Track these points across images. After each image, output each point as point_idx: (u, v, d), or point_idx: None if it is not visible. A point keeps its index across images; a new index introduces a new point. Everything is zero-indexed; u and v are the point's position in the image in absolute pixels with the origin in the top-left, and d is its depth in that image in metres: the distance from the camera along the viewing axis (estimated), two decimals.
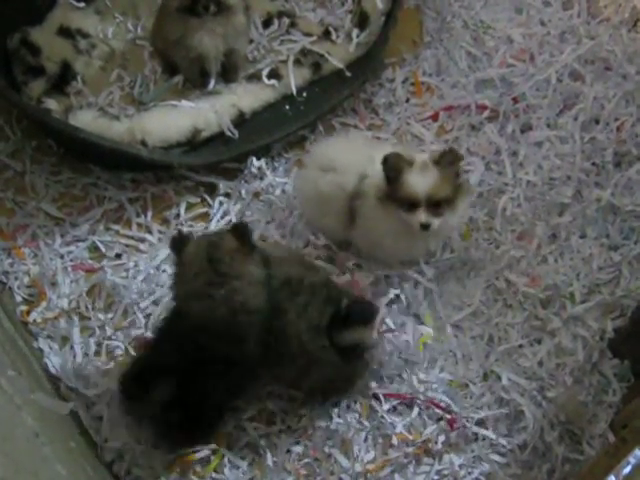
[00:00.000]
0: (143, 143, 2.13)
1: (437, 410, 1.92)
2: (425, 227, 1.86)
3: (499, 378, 1.97)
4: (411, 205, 1.85)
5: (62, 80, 2.36)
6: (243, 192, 2.25)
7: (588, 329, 2.05)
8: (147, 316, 2.06)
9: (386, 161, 1.85)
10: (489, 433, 1.90)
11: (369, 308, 1.83)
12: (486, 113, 2.39)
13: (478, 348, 2.01)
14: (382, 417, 1.92)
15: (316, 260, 2.11)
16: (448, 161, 1.86)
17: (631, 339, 1.99)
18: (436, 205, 1.86)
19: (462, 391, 1.96)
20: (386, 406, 1.93)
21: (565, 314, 2.06)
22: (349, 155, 2.03)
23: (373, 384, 1.94)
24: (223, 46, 2.32)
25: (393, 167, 1.85)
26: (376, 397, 1.94)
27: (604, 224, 2.22)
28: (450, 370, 1.98)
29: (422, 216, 1.85)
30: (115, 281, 2.10)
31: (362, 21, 2.43)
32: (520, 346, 2.02)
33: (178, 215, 2.23)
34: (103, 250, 2.17)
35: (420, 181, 1.83)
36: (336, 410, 1.92)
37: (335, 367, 1.79)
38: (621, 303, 2.08)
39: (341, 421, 1.90)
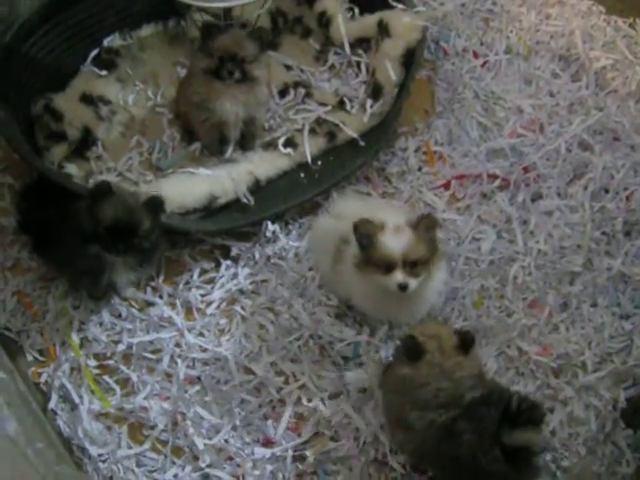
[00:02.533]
0: None
1: None
2: (403, 288, 1.89)
3: None
4: (387, 267, 1.89)
5: (83, 145, 2.42)
6: (257, 255, 2.29)
7: (600, 398, 2.05)
8: None
9: (357, 228, 1.90)
10: None
11: (538, 406, 1.73)
12: (497, 182, 2.43)
13: None
14: None
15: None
16: (425, 226, 1.91)
17: None
18: (413, 265, 1.89)
19: None
20: None
21: (577, 383, 2.07)
22: (361, 209, 2.09)
23: None
24: (243, 113, 2.37)
25: (364, 233, 1.90)
26: None
27: (615, 293, 2.24)
28: None
29: (399, 276, 1.89)
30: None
31: (376, 92, 2.49)
32: None
33: (189, 280, 2.26)
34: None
35: (395, 242, 1.89)
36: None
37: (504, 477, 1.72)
38: (633, 372, 2.09)
39: None
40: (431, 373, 1.74)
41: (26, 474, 1.40)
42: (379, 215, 1.99)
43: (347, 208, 2.20)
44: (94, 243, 1.97)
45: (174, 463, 1.97)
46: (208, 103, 2.33)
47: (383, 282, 1.92)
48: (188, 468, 1.95)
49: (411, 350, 1.75)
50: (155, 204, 2.03)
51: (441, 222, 2.22)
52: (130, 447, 1.99)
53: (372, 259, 1.91)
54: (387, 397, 1.91)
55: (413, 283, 1.91)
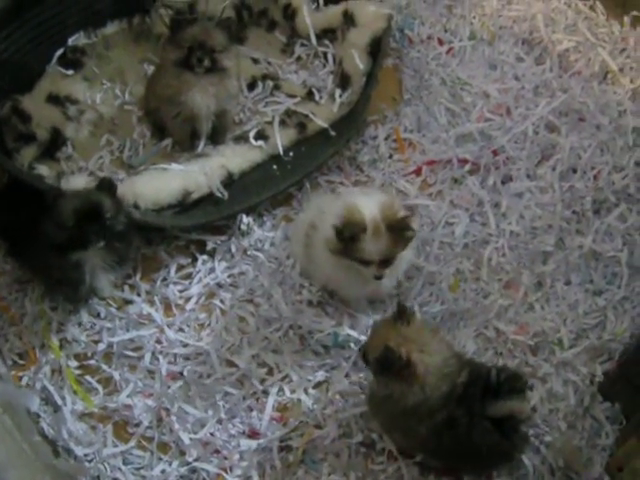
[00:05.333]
0: (135, 206, 2.16)
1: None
2: (378, 278, 1.99)
3: None
4: (365, 263, 1.97)
5: (52, 146, 2.41)
6: (233, 248, 2.30)
7: (578, 374, 2.09)
8: None
9: (340, 232, 1.94)
10: None
11: (518, 375, 1.78)
12: (467, 166, 2.46)
13: None
14: None
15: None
16: (401, 228, 1.96)
17: (620, 382, 2.03)
18: (387, 261, 1.98)
19: None
20: None
21: (554, 360, 2.10)
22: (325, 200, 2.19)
23: None
24: (214, 106, 2.37)
25: (347, 235, 1.94)
26: None
27: (587, 270, 2.28)
28: None
29: (375, 271, 1.98)
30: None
31: (344, 81, 2.51)
32: None
33: (166, 277, 2.26)
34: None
35: (373, 247, 1.95)
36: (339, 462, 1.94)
37: (495, 445, 1.76)
38: (608, 347, 2.13)
39: None
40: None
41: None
42: (353, 200, 2.03)
43: (313, 200, 2.31)
44: (70, 248, 1.97)
45: (161, 459, 1.97)
46: (179, 96, 2.34)
47: (359, 269, 1.99)
48: (175, 463, 1.95)
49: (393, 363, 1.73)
50: (105, 184, 2.03)
51: (414, 209, 2.28)
52: (116, 445, 1.99)
53: (351, 254, 1.97)
54: (379, 418, 1.92)
55: (386, 273, 2.00)
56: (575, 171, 2.47)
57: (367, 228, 1.93)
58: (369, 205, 1.99)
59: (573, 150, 2.50)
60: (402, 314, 1.76)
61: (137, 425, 2.01)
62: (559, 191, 2.40)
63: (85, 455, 1.96)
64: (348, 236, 1.94)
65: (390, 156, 2.51)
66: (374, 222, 1.94)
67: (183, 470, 1.95)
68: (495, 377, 1.73)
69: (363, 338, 2.06)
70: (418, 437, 1.81)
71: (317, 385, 2.08)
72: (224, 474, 1.93)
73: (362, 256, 1.96)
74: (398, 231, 1.96)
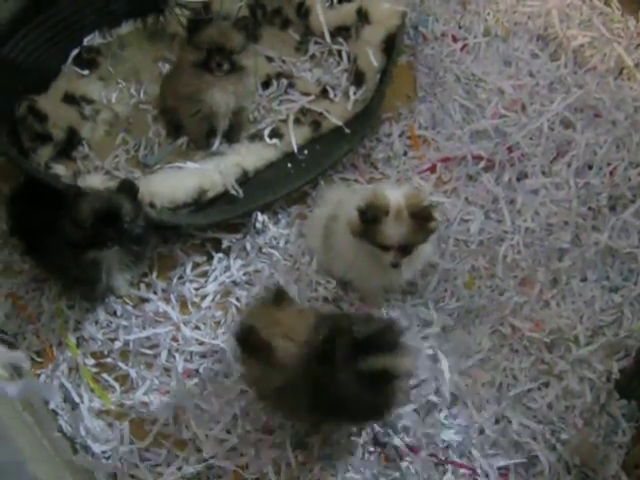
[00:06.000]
0: (151, 205, 2.18)
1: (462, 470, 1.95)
2: (395, 266, 1.99)
3: (510, 422, 2.00)
4: (384, 247, 1.97)
5: (68, 145, 2.42)
6: (248, 246, 2.30)
7: (594, 371, 2.08)
8: None
9: (363, 213, 1.95)
10: None
11: (389, 331, 1.77)
12: (482, 163, 2.45)
13: (488, 394, 2.05)
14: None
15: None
16: (423, 217, 1.96)
17: (636, 379, 2.02)
18: (406, 248, 1.98)
19: (477, 437, 1.99)
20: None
21: (570, 357, 2.10)
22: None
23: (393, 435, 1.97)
24: (233, 103, 2.38)
25: (370, 216, 1.94)
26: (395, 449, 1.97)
27: (603, 267, 2.27)
28: (463, 417, 2.01)
29: (393, 257, 1.98)
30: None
31: (358, 79, 2.51)
32: (529, 390, 2.06)
33: (183, 275, 2.27)
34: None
35: (394, 231, 1.95)
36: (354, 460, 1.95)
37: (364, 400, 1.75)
38: (625, 344, 2.13)
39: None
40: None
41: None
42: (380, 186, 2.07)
43: (329, 194, 2.32)
44: (86, 247, 1.98)
45: (177, 456, 1.98)
46: (199, 94, 2.34)
47: (377, 254, 1.99)
48: (192, 460, 1.96)
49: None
50: (127, 186, 2.04)
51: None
52: (132, 443, 2.00)
53: (370, 237, 1.97)
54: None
55: (404, 261, 1.99)
56: (591, 167, 2.46)
57: (390, 211, 1.93)
58: (395, 192, 2.01)
59: (589, 146, 2.48)
60: (279, 298, 1.77)
61: (153, 422, 2.02)
62: (575, 187, 2.40)
63: (102, 452, 1.97)
64: (371, 217, 1.94)
65: (405, 153, 2.51)
66: (397, 206, 1.94)
67: (199, 467, 1.96)
68: (362, 333, 1.72)
69: None
70: (293, 409, 1.83)
71: None
72: (240, 471, 1.94)
73: (382, 239, 1.96)
74: (420, 219, 1.95)
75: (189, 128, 2.45)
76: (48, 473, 1.34)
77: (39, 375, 2.10)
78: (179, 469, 1.96)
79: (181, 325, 2.16)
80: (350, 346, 1.71)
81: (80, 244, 1.98)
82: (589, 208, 2.37)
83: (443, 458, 1.95)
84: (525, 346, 2.13)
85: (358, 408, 1.78)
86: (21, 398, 1.27)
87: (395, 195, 1.98)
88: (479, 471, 1.93)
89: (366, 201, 1.96)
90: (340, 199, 2.17)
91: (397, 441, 1.96)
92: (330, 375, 1.71)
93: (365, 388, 1.71)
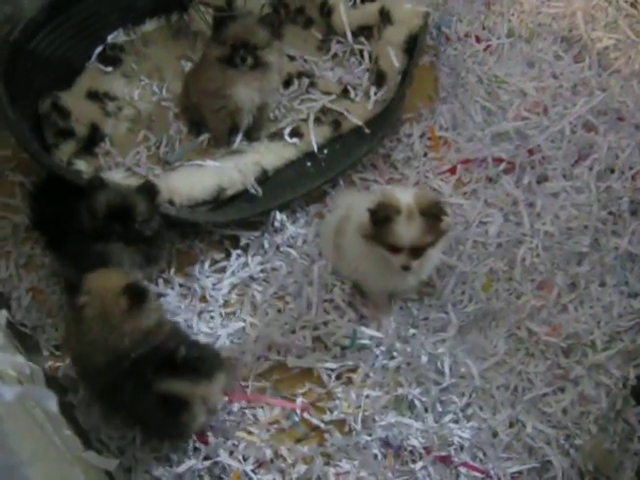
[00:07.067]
0: (170, 202, 2.19)
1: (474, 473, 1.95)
2: (405, 268, 1.96)
3: (524, 427, 1.99)
4: (395, 249, 1.94)
5: (91, 142, 2.44)
6: (266, 244, 2.31)
7: (611, 377, 2.07)
8: None
9: (374, 213, 1.93)
10: None
11: (208, 358, 1.86)
12: (502, 165, 2.44)
13: (503, 398, 2.04)
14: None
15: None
16: (434, 214, 1.93)
17: None
18: (418, 250, 1.94)
19: (491, 440, 1.98)
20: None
21: (587, 362, 2.09)
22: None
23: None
24: (257, 99, 2.39)
25: (381, 217, 1.93)
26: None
27: (622, 272, 2.25)
28: (477, 420, 2.01)
29: (403, 260, 1.94)
30: None
31: (379, 79, 2.51)
32: (544, 395, 2.05)
33: (201, 270, 2.28)
34: None
35: (406, 231, 1.92)
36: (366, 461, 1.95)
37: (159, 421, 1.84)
38: None
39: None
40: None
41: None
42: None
43: (342, 198, 2.32)
44: (93, 237, 2.01)
45: (190, 451, 1.98)
46: (224, 90, 2.35)
47: (388, 257, 1.97)
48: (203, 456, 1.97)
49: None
50: (147, 188, 2.06)
51: (449, 207, 2.24)
52: None
53: (381, 239, 1.95)
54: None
55: (415, 264, 1.96)
56: (612, 171, 2.44)
57: (401, 211, 1.92)
58: (404, 193, 2.00)
59: (611, 150, 2.47)
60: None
61: None
62: (595, 191, 2.38)
63: (118, 448, 1.99)
64: (382, 217, 1.92)
65: (425, 154, 2.51)
66: (408, 207, 1.93)
67: (207, 463, 1.96)
68: (182, 354, 1.76)
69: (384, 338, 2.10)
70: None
71: (341, 383, 2.08)
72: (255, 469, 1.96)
73: (394, 240, 1.92)
74: (432, 216, 1.93)
75: (212, 124, 2.46)
76: (49, 473, 1.35)
77: (57, 368, 2.11)
78: (191, 466, 1.95)
79: (198, 320, 2.17)
80: (161, 364, 1.77)
81: (88, 233, 2.01)
82: (609, 212, 2.35)
83: (456, 461, 1.95)
84: (541, 350, 2.12)
85: (149, 423, 1.89)
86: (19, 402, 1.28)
87: (405, 195, 1.97)
88: (492, 474, 1.93)
89: (376, 201, 1.95)
90: (352, 202, 2.16)
91: (410, 443, 1.96)
92: (131, 390, 1.78)
93: (157, 406, 1.78)
